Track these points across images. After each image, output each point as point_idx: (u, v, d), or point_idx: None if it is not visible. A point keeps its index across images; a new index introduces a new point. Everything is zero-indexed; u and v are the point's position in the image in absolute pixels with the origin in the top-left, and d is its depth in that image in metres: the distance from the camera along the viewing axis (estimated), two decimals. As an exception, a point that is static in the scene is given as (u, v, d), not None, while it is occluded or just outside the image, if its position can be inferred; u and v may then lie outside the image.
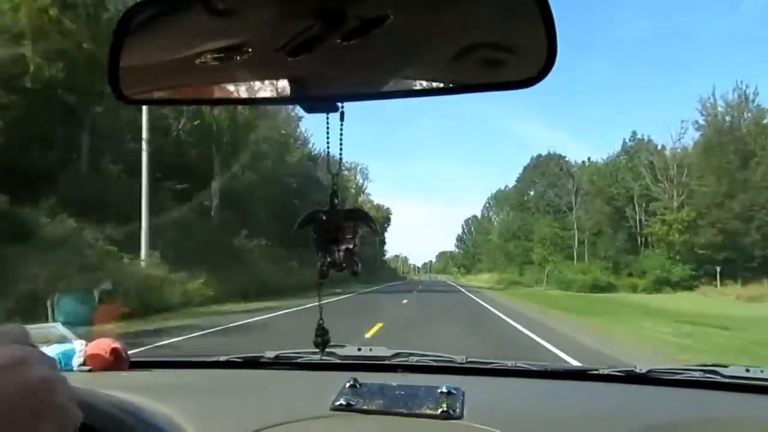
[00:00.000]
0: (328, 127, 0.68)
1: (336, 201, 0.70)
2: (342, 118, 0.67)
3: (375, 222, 0.71)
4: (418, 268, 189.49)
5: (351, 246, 0.69)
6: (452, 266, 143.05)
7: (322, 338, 0.80)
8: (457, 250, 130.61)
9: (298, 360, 1.64)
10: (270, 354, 1.67)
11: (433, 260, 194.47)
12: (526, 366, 1.61)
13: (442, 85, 0.66)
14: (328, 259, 0.70)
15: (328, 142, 0.69)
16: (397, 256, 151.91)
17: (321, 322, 0.80)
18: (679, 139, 53.15)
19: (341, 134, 0.68)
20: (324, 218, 0.70)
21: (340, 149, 0.69)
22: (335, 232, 0.69)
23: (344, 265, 0.70)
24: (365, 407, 1.17)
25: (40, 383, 0.44)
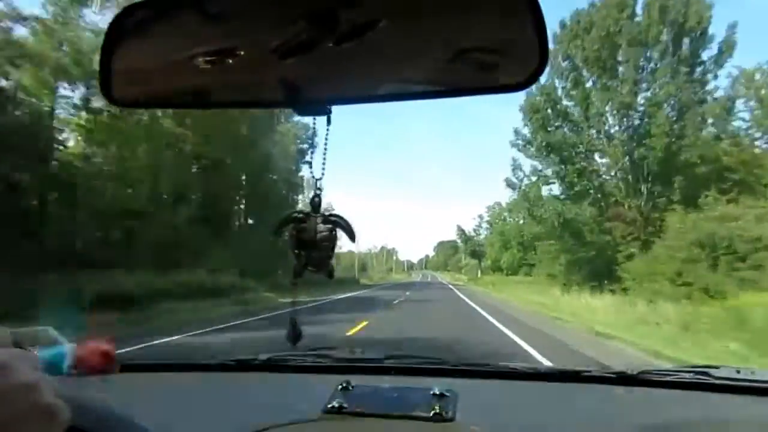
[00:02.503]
0: (314, 130, 0.68)
1: (317, 204, 0.70)
2: (329, 122, 0.66)
3: (353, 231, 0.72)
4: (413, 264, 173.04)
5: (327, 250, 0.70)
6: (462, 258, 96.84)
7: (294, 333, 0.81)
8: (495, 212, 61.06)
9: (291, 362, 1.64)
10: (262, 356, 1.66)
11: (431, 254, 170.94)
12: (517, 368, 1.62)
13: (434, 88, 0.66)
14: (303, 261, 0.70)
15: (313, 145, 0.68)
16: (383, 248, 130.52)
17: (294, 317, 0.80)
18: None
19: (327, 138, 0.68)
20: (302, 220, 0.70)
21: (324, 152, 0.69)
22: (313, 234, 0.70)
23: (318, 267, 0.71)
24: (358, 410, 1.17)
25: (24, 386, 0.44)
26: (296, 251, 0.70)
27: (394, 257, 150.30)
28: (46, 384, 0.46)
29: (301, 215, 0.70)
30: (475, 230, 73.35)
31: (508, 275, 49.93)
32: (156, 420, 1.09)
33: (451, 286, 48.40)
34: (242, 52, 0.60)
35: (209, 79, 0.64)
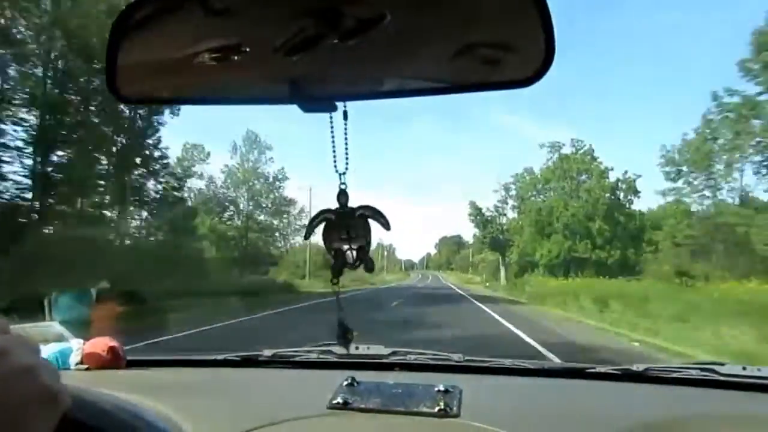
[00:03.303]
0: (332, 127, 0.68)
1: (344, 200, 0.70)
2: (345, 117, 0.67)
3: (387, 219, 0.71)
4: (413, 263, 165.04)
5: (363, 244, 0.71)
6: (471, 254, 78.52)
7: (344, 335, 0.80)
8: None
9: (296, 358, 1.65)
10: (267, 352, 1.67)
11: (433, 252, 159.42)
12: (523, 364, 1.62)
13: (440, 84, 0.66)
14: (341, 259, 0.71)
15: (333, 141, 0.69)
16: (379, 245, 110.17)
17: (342, 318, 0.80)
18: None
19: (346, 133, 0.69)
20: (333, 218, 0.70)
21: (346, 148, 0.70)
22: (346, 230, 0.70)
23: (357, 263, 0.71)
24: (362, 405, 1.18)
25: (22, 369, 0.44)
26: (332, 251, 0.71)
27: (386, 253, 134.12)
28: (46, 367, 0.46)
29: (331, 213, 0.71)
30: (497, 208, 42.30)
31: (553, 276, 29.72)
32: (162, 415, 1.09)
33: (503, 321, 14.81)
34: (247, 49, 0.60)
35: (214, 75, 0.64)
